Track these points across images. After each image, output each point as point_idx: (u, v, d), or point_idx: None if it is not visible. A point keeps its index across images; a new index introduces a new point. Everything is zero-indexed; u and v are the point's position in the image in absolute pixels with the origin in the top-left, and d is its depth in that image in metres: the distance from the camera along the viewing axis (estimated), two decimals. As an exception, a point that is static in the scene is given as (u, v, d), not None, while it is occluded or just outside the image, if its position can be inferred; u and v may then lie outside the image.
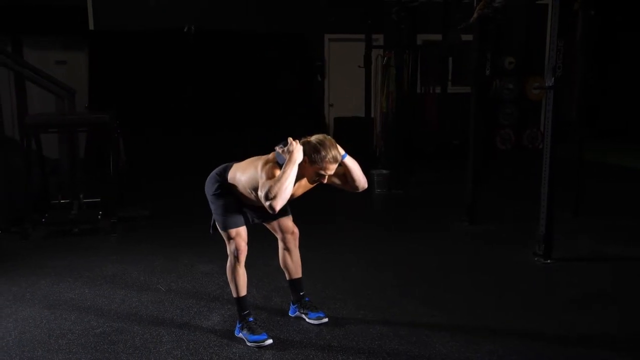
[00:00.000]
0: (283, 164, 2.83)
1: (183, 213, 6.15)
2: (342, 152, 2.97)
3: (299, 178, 2.94)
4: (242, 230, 3.14)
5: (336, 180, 3.09)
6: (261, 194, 2.79)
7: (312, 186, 3.11)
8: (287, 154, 2.84)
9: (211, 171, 3.24)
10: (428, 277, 4.21)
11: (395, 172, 7.14)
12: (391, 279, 4.16)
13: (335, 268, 4.38)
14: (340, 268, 4.39)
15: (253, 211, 3.22)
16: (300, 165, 2.86)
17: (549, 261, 4.43)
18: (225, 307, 3.63)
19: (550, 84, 4.31)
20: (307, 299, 3.49)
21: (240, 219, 3.15)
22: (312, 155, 2.86)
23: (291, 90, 9.03)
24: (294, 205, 3.34)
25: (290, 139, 2.88)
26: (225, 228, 3.12)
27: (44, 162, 5.92)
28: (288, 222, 3.33)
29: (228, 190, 3.12)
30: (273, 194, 2.75)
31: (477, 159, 5.52)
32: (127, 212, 5.77)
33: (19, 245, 5.07)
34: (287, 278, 3.47)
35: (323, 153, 2.85)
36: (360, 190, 3.11)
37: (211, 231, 3.28)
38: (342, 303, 3.70)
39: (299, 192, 3.08)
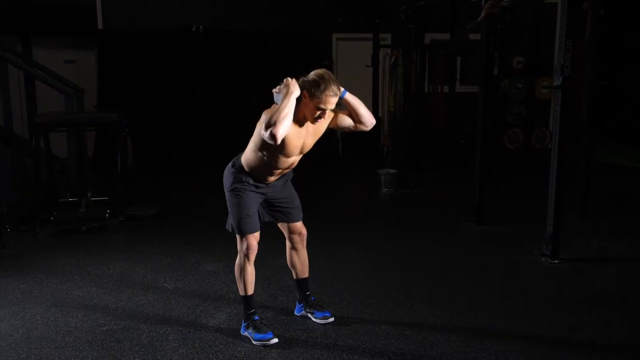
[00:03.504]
0: None
1: (190, 212, 6.17)
2: (342, 88, 2.97)
3: (302, 121, 2.96)
4: (256, 232, 3.15)
5: (343, 123, 3.11)
6: (262, 127, 2.81)
7: (320, 132, 3.09)
8: (283, 89, 2.86)
9: (221, 168, 3.24)
10: (434, 277, 4.20)
11: (403, 171, 7.13)
12: (397, 278, 4.15)
13: (341, 267, 4.38)
14: (346, 267, 4.39)
15: (267, 207, 3.21)
16: (301, 103, 2.90)
17: (556, 261, 4.40)
18: (231, 305, 3.64)
19: (559, 84, 4.29)
20: (312, 298, 3.49)
21: (256, 222, 3.13)
22: (312, 90, 2.87)
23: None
24: (300, 203, 3.35)
25: (287, 78, 2.92)
26: (241, 233, 3.11)
27: (53, 160, 5.96)
28: (298, 224, 3.33)
29: (244, 182, 3.08)
30: (273, 121, 2.77)
31: (485, 158, 5.50)
32: (134, 210, 5.79)
33: (28, 243, 5.10)
34: (294, 277, 3.47)
35: (322, 86, 2.86)
36: (369, 127, 3.12)
37: (227, 228, 3.24)
38: (347, 302, 3.70)
39: (309, 141, 3.07)
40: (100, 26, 8.78)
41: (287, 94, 2.85)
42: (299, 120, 2.96)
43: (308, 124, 3.02)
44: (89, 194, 5.75)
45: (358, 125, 3.11)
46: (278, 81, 2.99)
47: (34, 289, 3.98)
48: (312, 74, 2.92)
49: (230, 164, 3.18)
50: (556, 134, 4.38)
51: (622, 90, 11.09)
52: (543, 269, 4.33)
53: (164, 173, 7.91)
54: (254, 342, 3.13)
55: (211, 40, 8.74)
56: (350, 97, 3.03)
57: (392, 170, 7.14)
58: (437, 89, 9.00)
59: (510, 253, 4.68)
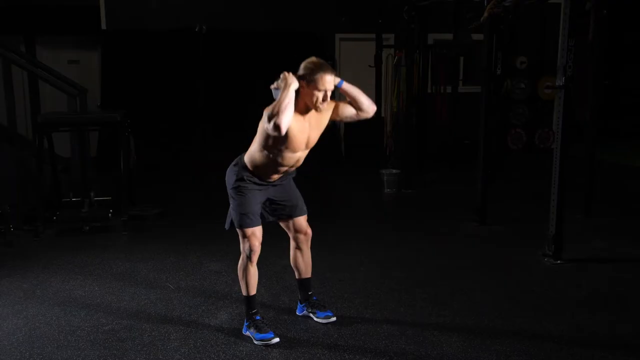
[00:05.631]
0: None
1: (193, 212, 6.19)
2: (339, 79, 3.03)
3: (304, 113, 3.00)
4: (258, 231, 3.15)
5: (345, 112, 3.14)
6: (265, 120, 2.86)
7: (323, 124, 3.12)
8: (282, 83, 2.90)
9: (224, 168, 3.25)
10: (436, 277, 4.20)
11: (405, 171, 7.13)
12: (399, 278, 4.15)
13: (343, 267, 4.38)
14: (348, 267, 4.39)
15: (270, 206, 3.22)
16: (299, 95, 2.94)
17: (559, 262, 4.40)
18: (233, 305, 3.65)
19: (561, 84, 4.28)
20: (315, 298, 3.50)
21: (257, 218, 3.15)
22: (307, 77, 2.93)
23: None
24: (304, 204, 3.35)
25: (283, 72, 2.96)
26: (242, 226, 3.13)
27: (56, 160, 5.98)
28: (302, 221, 3.34)
29: (247, 181, 3.11)
30: (275, 111, 2.81)
31: (487, 159, 5.49)
32: (137, 210, 5.81)
33: (31, 242, 5.12)
34: (297, 277, 3.47)
35: (314, 68, 2.93)
36: (371, 113, 3.15)
37: (227, 227, 3.28)
38: (349, 302, 3.70)
39: (313, 135, 3.09)
40: (104, 26, 8.78)
41: (285, 86, 2.89)
42: (301, 113, 2.99)
43: (310, 117, 3.04)
44: (92, 194, 5.76)
45: (359, 113, 3.14)
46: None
47: (36, 288, 4.00)
48: (303, 64, 2.99)
49: (232, 163, 3.20)
50: (559, 134, 4.37)
51: (623, 90, 11.05)
52: (545, 269, 4.32)
53: (167, 173, 7.92)
54: (256, 342, 3.14)
55: (214, 40, 8.74)
56: (347, 86, 3.09)
57: (394, 171, 7.13)
58: (440, 89, 8.98)
59: (512, 253, 4.67)
